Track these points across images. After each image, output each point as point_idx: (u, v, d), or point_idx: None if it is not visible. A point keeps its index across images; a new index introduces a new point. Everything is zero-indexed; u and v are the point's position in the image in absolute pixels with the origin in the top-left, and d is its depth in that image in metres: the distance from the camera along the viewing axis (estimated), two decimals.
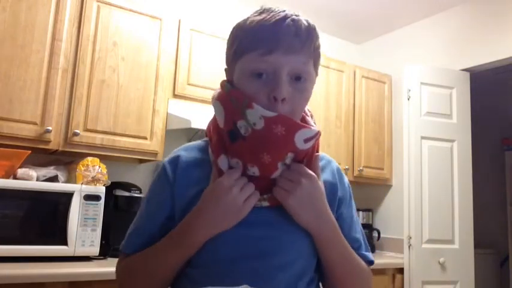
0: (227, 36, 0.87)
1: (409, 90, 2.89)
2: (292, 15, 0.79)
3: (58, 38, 2.09)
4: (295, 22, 0.78)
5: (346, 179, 0.97)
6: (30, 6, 2.03)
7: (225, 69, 0.88)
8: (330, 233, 0.84)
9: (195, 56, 2.49)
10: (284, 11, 0.80)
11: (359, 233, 0.95)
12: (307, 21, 0.80)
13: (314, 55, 0.81)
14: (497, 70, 3.04)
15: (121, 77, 2.25)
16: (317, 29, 0.82)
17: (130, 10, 2.31)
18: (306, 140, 0.78)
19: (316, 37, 0.81)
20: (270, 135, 0.76)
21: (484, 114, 3.97)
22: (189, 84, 2.47)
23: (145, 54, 2.33)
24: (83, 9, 2.17)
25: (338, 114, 3.08)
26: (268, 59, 0.77)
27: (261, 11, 0.82)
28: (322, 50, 0.85)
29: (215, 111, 0.83)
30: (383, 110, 3.33)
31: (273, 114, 0.75)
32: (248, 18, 0.83)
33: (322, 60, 0.92)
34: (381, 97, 3.33)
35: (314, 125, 0.84)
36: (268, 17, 0.79)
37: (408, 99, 2.89)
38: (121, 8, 2.28)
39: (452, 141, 2.92)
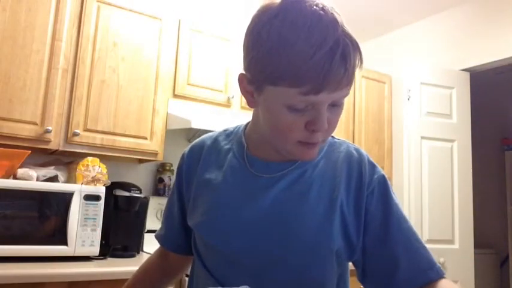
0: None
1: (409, 90, 2.89)
2: (337, 36, 0.66)
3: (58, 38, 2.08)
4: (345, 54, 0.66)
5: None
6: (30, 6, 2.03)
7: (242, 75, 0.76)
8: None
9: (195, 56, 2.49)
10: (320, 20, 0.66)
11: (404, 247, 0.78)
12: (351, 39, 0.67)
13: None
14: (497, 70, 3.04)
15: (121, 77, 2.25)
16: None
17: (131, 10, 2.31)
18: None
19: (360, 62, 0.70)
20: None
21: (484, 114, 3.97)
22: (189, 84, 2.47)
23: (145, 54, 2.33)
24: (83, 9, 2.17)
25: None
26: (312, 98, 0.67)
27: (294, 16, 0.67)
28: None
29: None
30: (383, 110, 3.32)
31: None
32: (280, 29, 0.67)
33: None
34: (381, 97, 3.33)
35: None
36: (311, 43, 0.64)
37: (408, 99, 2.89)
38: (121, 8, 2.28)
39: (452, 141, 2.92)
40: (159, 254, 1.03)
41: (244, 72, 0.75)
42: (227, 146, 0.88)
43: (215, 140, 0.91)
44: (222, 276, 0.81)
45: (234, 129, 0.91)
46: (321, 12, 0.67)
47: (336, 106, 0.72)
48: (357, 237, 0.78)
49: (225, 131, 0.92)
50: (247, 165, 0.83)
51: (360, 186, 0.80)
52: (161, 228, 1.00)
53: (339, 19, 0.68)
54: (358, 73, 0.73)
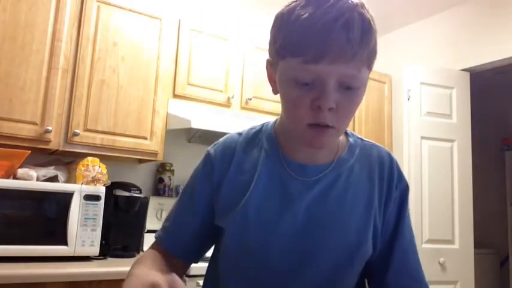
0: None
1: (409, 90, 2.89)
2: (346, 11, 0.66)
3: (58, 38, 2.08)
4: (349, 23, 0.65)
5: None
6: (30, 6, 2.03)
7: (267, 60, 0.78)
8: None
9: (195, 56, 2.49)
10: (337, 1, 0.66)
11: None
12: (362, 17, 0.67)
13: (369, 58, 0.69)
14: (497, 70, 3.04)
15: (121, 77, 2.25)
16: (374, 21, 0.69)
17: (130, 10, 2.31)
18: None
19: (373, 37, 0.68)
20: None
21: (484, 114, 3.97)
22: (189, 84, 2.47)
23: (145, 54, 2.33)
24: (83, 9, 2.17)
25: None
26: (313, 68, 0.66)
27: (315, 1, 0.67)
28: None
29: None
30: (383, 110, 3.32)
31: None
32: (294, 8, 0.69)
33: None
34: (381, 97, 3.32)
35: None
36: (317, 14, 0.65)
37: (408, 99, 2.89)
38: (121, 8, 2.28)
39: (452, 141, 2.92)
40: (160, 254, 0.86)
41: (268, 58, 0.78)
42: (258, 146, 0.84)
43: (243, 139, 0.86)
44: (252, 278, 0.78)
45: (262, 127, 0.87)
46: (346, 1, 0.67)
47: (348, 89, 0.69)
48: (379, 240, 0.81)
49: (251, 129, 0.88)
50: (285, 166, 0.80)
51: (389, 192, 0.82)
52: (165, 230, 0.87)
53: (359, 7, 0.67)
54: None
